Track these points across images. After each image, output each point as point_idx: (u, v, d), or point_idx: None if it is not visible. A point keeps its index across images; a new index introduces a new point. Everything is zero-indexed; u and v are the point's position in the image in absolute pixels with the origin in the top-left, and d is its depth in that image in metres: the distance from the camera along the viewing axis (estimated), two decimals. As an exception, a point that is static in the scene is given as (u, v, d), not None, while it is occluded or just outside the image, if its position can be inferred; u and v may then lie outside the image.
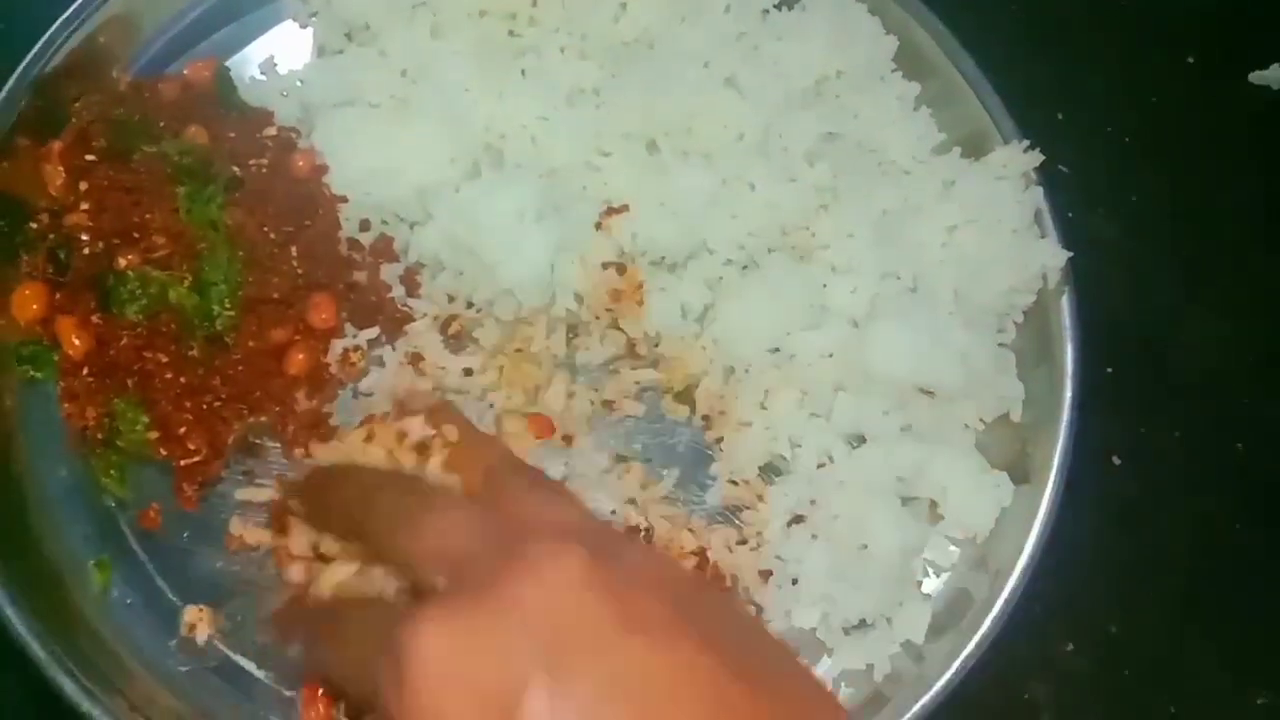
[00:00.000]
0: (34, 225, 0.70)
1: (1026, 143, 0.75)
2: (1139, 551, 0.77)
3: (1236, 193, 0.87)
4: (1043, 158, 0.74)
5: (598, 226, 0.71)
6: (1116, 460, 0.79)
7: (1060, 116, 0.87)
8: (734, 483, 0.71)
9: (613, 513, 0.69)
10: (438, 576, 0.46)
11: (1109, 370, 0.79)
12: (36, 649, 0.62)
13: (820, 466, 0.69)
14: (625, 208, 0.71)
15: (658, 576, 0.46)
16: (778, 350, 0.71)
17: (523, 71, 0.74)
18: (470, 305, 0.72)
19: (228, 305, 0.67)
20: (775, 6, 0.79)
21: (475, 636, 0.41)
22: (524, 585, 0.42)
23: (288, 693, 0.66)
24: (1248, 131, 0.89)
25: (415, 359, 0.71)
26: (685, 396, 0.73)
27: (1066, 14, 0.89)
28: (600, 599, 0.42)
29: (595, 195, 0.72)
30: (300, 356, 0.69)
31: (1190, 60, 0.90)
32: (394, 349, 0.71)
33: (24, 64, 0.72)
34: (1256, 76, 0.89)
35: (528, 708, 0.39)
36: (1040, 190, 0.74)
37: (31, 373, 0.69)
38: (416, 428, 0.62)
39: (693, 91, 0.73)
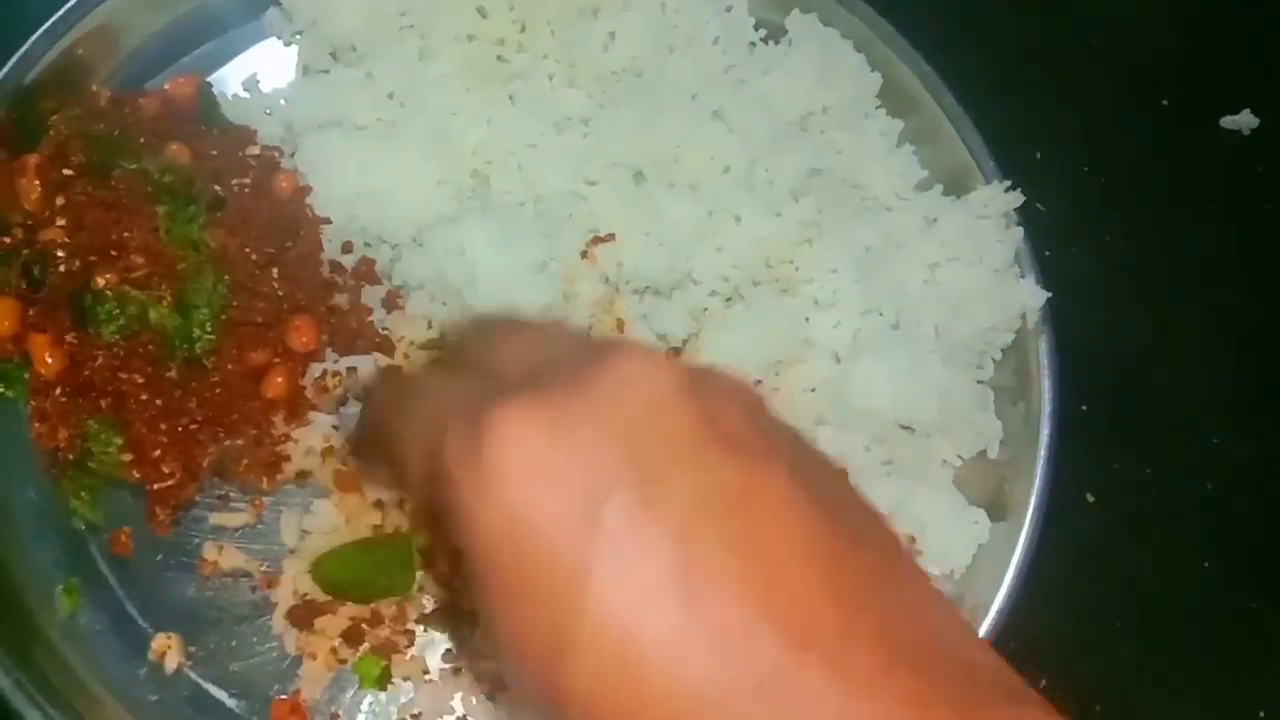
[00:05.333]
0: (7, 239, 0.68)
1: (1008, 183, 0.76)
2: (1112, 587, 0.78)
3: (1208, 233, 0.89)
4: (1024, 198, 0.75)
5: (584, 255, 0.71)
6: (1090, 497, 0.80)
7: (1038, 155, 0.88)
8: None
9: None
10: (519, 378, 0.42)
11: (1083, 407, 0.80)
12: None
13: (801, 500, 0.70)
14: (612, 237, 0.72)
15: (748, 402, 0.42)
16: (760, 383, 0.72)
17: (511, 98, 0.74)
18: (443, 334, 0.72)
19: (209, 328, 0.66)
20: (762, 40, 0.80)
21: (564, 430, 0.38)
22: (616, 388, 0.39)
23: (259, 722, 0.65)
24: (1219, 173, 0.91)
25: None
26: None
27: (1046, 55, 0.91)
28: (695, 412, 0.38)
29: (582, 224, 0.72)
30: (279, 380, 0.68)
31: (1165, 103, 0.92)
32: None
33: (0, 75, 0.70)
34: (1228, 121, 0.91)
35: (614, 507, 0.36)
36: (1021, 231, 0.75)
37: (1, 390, 0.67)
38: None
39: (680, 123, 0.73)
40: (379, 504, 0.67)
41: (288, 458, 0.68)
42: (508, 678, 0.40)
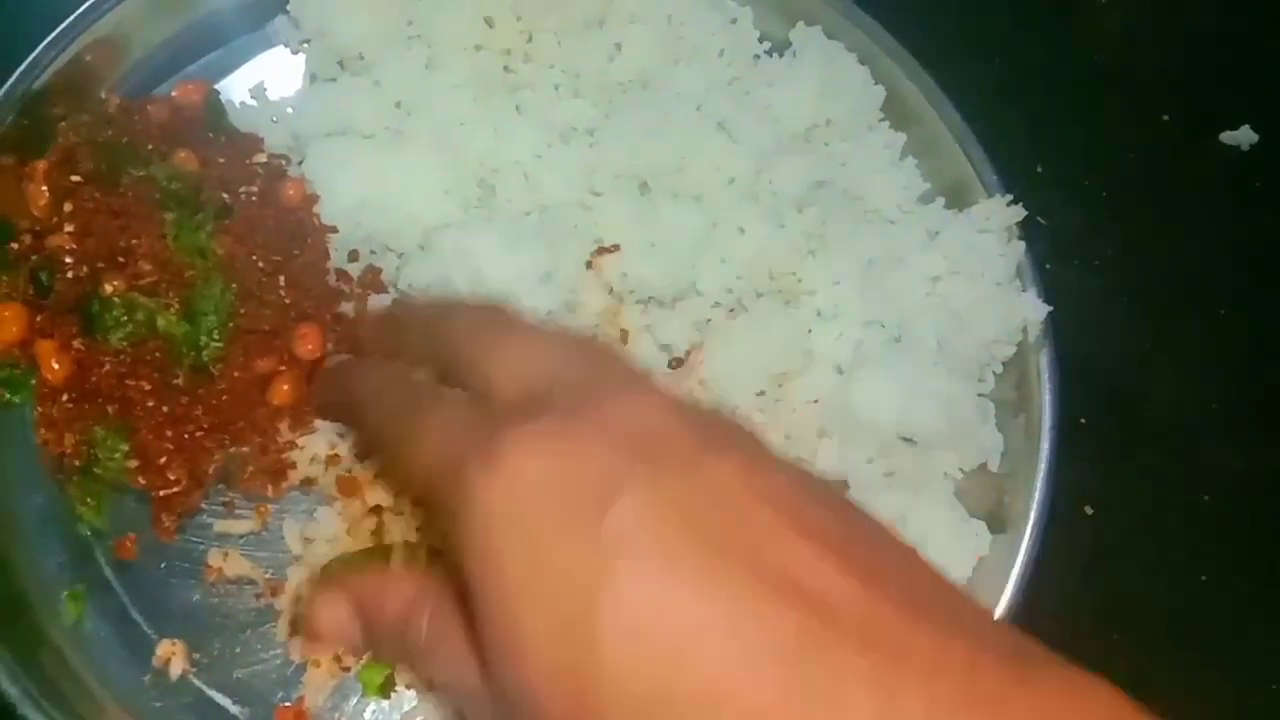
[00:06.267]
0: (15, 245, 0.68)
1: (1010, 197, 0.76)
2: (1110, 600, 0.79)
3: (1207, 248, 0.90)
4: (1025, 213, 0.75)
5: (588, 265, 0.72)
6: (1089, 509, 0.80)
7: (1039, 169, 0.89)
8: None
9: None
10: (519, 393, 0.46)
11: (1082, 420, 0.80)
12: (5, 682, 0.60)
13: (804, 512, 0.70)
14: (616, 247, 0.72)
15: (737, 424, 0.47)
16: (763, 394, 0.72)
17: (517, 108, 0.75)
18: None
19: (216, 336, 0.66)
20: (766, 52, 0.80)
21: (573, 448, 0.41)
22: (615, 405, 0.43)
23: (263, 730, 0.65)
24: (1218, 188, 0.92)
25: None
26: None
27: (1048, 70, 0.92)
28: (686, 423, 0.42)
29: (586, 234, 0.72)
30: (285, 387, 0.68)
31: (1166, 118, 0.93)
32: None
33: (10, 82, 0.70)
34: (1227, 137, 0.92)
35: (622, 508, 0.39)
36: (1023, 245, 0.75)
37: (8, 396, 0.67)
38: None
39: (685, 134, 0.74)
40: (377, 510, 0.67)
41: (293, 465, 0.68)
42: (496, 691, 0.42)
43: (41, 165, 0.69)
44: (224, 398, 0.67)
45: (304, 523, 0.68)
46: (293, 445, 0.69)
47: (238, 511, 0.68)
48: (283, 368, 0.69)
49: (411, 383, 0.55)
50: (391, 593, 0.51)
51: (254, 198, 0.71)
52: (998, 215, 0.76)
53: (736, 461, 0.41)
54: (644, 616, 0.37)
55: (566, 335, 0.50)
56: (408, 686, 0.66)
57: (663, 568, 0.38)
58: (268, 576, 0.67)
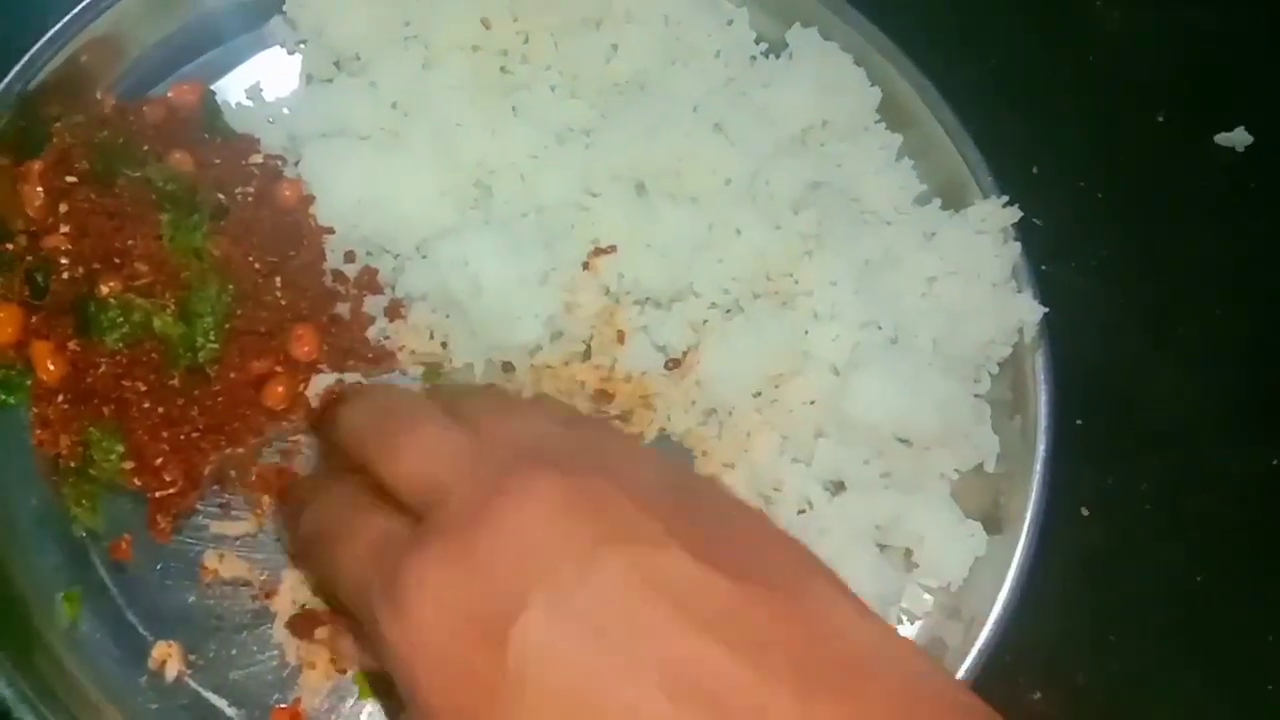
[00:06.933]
0: (10, 246, 0.68)
1: (1005, 198, 0.76)
2: (1106, 601, 0.79)
3: (1203, 247, 0.90)
4: (1021, 214, 0.76)
5: (585, 266, 0.72)
6: (1085, 511, 0.80)
7: (1035, 170, 0.89)
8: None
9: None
10: (417, 501, 0.50)
11: (1079, 421, 0.80)
12: (0, 684, 0.60)
13: (801, 513, 0.70)
14: (613, 248, 0.72)
15: (633, 478, 0.48)
16: (760, 395, 0.72)
17: (514, 108, 0.75)
18: (444, 345, 0.72)
19: (212, 337, 0.66)
20: (763, 54, 0.80)
21: (470, 571, 0.44)
22: (507, 518, 0.45)
23: (260, 731, 0.65)
24: (1214, 188, 0.92)
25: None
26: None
27: (1044, 72, 0.92)
28: (579, 518, 0.44)
29: (583, 235, 0.72)
30: (280, 389, 0.68)
31: (1160, 119, 0.93)
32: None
33: (5, 82, 0.70)
34: (1222, 138, 0.92)
35: (522, 628, 0.42)
36: (1018, 245, 0.76)
37: (3, 398, 0.67)
38: None
39: (682, 135, 0.73)
40: None
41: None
42: None
43: (37, 166, 0.69)
44: (220, 399, 0.67)
45: (300, 524, 0.68)
46: (289, 447, 0.69)
47: (234, 513, 0.68)
48: (279, 369, 0.69)
49: (331, 499, 0.58)
50: None
51: (250, 198, 0.71)
52: (993, 216, 0.76)
53: (626, 558, 0.42)
54: None
55: (452, 428, 0.52)
56: (404, 688, 0.66)
57: (568, 688, 0.41)
58: (264, 578, 0.67)
